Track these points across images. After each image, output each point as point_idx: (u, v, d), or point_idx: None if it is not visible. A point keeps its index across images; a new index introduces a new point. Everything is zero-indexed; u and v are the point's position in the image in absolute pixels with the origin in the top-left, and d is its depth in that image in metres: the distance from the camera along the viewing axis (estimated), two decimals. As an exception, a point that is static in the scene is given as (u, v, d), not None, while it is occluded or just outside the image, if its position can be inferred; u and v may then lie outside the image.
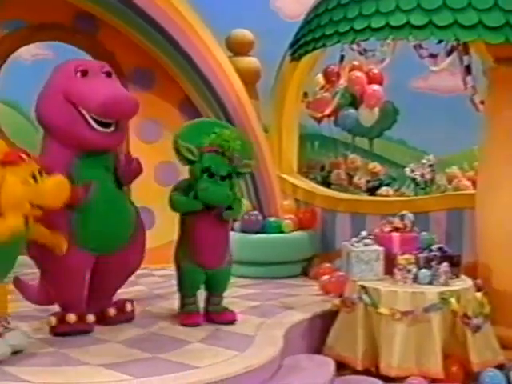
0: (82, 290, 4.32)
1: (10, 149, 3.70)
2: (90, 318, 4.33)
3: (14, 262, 3.79)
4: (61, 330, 4.25)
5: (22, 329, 4.12)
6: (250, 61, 6.88)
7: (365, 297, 4.64)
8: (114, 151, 4.33)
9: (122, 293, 4.81)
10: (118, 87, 4.04)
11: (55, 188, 3.70)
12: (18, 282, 4.57)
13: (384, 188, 7.43)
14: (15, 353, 3.79)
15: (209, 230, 4.45)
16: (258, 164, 6.12)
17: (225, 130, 4.54)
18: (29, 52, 8.17)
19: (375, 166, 7.82)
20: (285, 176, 6.87)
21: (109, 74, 4.11)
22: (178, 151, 4.48)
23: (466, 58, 5.72)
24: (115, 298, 4.66)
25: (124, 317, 4.59)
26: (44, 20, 6.65)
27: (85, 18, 6.62)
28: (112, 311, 4.52)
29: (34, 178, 3.61)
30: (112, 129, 4.04)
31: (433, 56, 5.78)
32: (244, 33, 6.91)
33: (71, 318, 4.24)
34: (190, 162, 4.47)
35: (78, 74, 4.01)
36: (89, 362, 3.75)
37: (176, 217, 4.61)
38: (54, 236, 3.94)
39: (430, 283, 4.68)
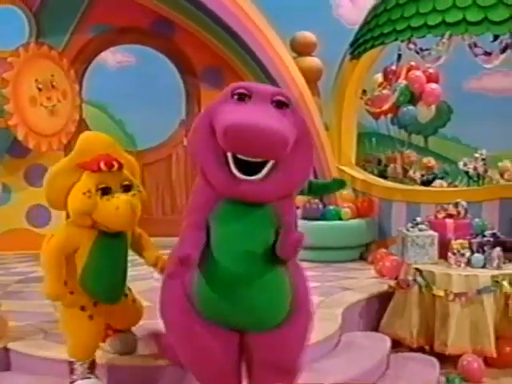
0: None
1: (103, 155, 3.10)
2: None
3: (116, 279, 3.30)
4: None
5: None
6: (313, 60, 6.87)
7: (419, 279, 4.50)
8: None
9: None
10: (264, 116, 2.55)
11: (113, 209, 3.04)
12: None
13: (438, 181, 7.15)
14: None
15: None
16: (319, 157, 6.06)
17: None
18: (114, 59, 8.34)
19: (430, 161, 7.53)
20: (344, 168, 6.71)
21: (280, 104, 2.64)
22: None
23: (520, 54, 5.44)
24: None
25: None
26: (126, 25, 6.77)
27: (162, 22, 6.70)
28: None
29: (107, 191, 3.06)
30: (259, 176, 2.57)
31: (487, 54, 5.52)
32: (307, 35, 6.90)
33: None
34: None
35: (235, 97, 2.65)
36: None
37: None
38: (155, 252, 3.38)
39: (483, 267, 4.49)
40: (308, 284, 2.99)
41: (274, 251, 2.68)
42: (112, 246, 3.18)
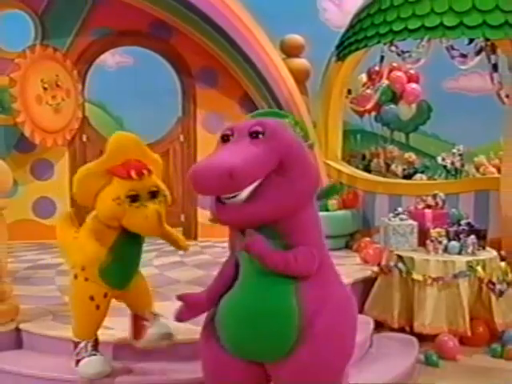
0: None
1: (134, 161, 3.06)
2: None
3: (132, 269, 3.33)
4: None
5: None
6: (301, 62, 6.88)
7: (400, 265, 4.58)
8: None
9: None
10: (219, 156, 2.51)
11: (142, 218, 2.99)
12: None
13: (418, 175, 7.30)
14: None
15: None
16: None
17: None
18: (113, 60, 8.41)
19: (411, 156, 7.67)
20: (330, 162, 6.77)
21: (257, 135, 2.55)
22: None
23: (493, 56, 5.58)
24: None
25: None
26: (125, 28, 6.82)
27: (159, 25, 6.71)
28: None
29: (135, 198, 3.01)
30: (241, 197, 2.47)
31: (463, 56, 5.62)
32: (296, 37, 6.92)
33: None
34: None
35: (223, 139, 2.64)
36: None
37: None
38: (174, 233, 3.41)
39: (459, 253, 4.58)
40: (334, 311, 2.73)
41: (281, 275, 2.58)
42: (132, 240, 3.17)
